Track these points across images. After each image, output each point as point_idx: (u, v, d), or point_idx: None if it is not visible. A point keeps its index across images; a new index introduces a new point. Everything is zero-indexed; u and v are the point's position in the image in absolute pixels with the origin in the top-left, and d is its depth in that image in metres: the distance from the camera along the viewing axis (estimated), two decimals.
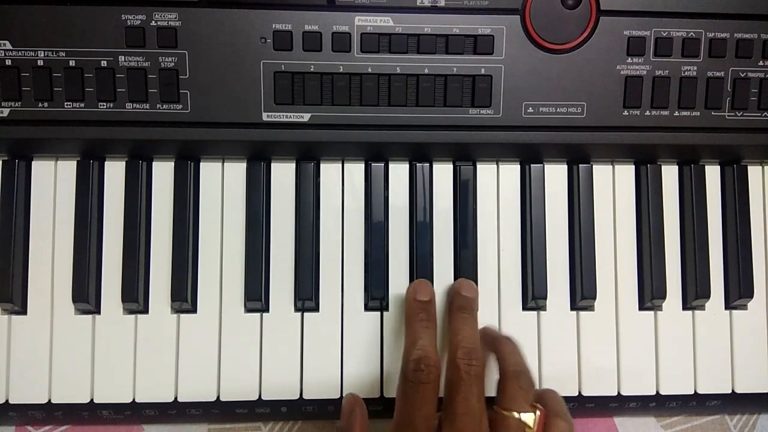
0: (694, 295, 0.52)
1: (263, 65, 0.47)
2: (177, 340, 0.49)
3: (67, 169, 0.50)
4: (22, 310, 0.49)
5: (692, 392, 0.52)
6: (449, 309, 0.49)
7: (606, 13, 0.48)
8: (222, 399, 0.49)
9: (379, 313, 0.50)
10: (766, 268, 0.53)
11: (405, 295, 0.49)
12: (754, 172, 0.53)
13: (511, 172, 0.52)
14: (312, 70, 0.47)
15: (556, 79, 0.48)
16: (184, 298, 0.49)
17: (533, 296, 0.51)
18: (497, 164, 0.52)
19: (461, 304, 0.48)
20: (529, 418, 0.42)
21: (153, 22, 0.46)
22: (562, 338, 0.51)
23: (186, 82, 0.47)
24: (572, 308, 0.52)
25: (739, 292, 0.52)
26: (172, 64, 0.46)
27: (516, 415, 0.42)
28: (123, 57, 0.46)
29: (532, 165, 0.52)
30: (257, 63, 0.47)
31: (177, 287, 0.49)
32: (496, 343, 0.48)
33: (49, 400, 0.49)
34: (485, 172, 0.52)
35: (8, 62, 0.46)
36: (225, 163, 0.51)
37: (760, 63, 0.49)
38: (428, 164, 0.51)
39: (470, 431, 0.41)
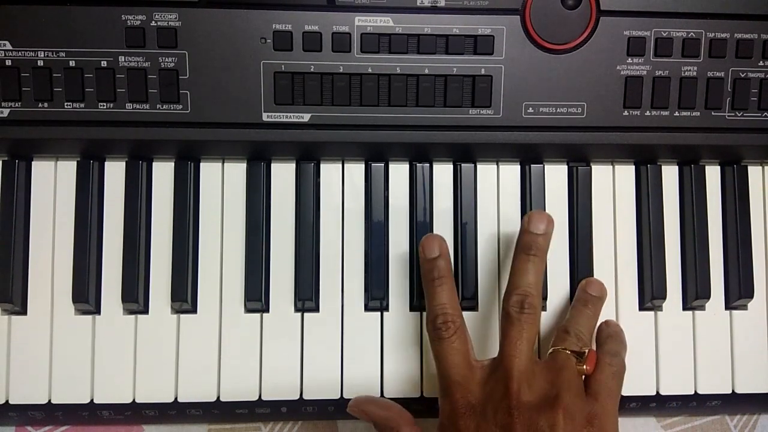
0: (694, 295, 0.52)
1: (263, 65, 0.47)
2: (177, 340, 0.49)
3: (67, 169, 0.50)
4: (22, 310, 0.49)
5: (692, 392, 0.52)
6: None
7: (606, 13, 0.48)
8: (222, 399, 0.49)
9: (379, 313, 0.50)
10: (766, 268, 0.53)
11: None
12: (754, 172, 0.53)
13: (511, 172, 0.52)
14: (312, 70, 0.47)
15: (556, 80, 0.48)
16: (184, 298, 0.49)
17: None
18: (497, 164, 0.52)
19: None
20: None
21: (153, 22, 0.46)
22: None
23: (186, 82, 0.47)
24: None
25: (739, 292, 0.52)
26: (172, 64, 0.46)
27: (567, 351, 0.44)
28: (123, 57, 0.46)
29: (532, 165, 0.52)
30: (257, 63, 0.47)
31: (177, 287, 0.49)
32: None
33: (49, 401, 0.49)
34: (485, 172, 0.52)
35: (8, 62, 0.46)
36: (225, 164, 0.51)
37: (760, 63, 0.49)
38: (428, 164, 0.51)
39: (517, 371, 0.42)
